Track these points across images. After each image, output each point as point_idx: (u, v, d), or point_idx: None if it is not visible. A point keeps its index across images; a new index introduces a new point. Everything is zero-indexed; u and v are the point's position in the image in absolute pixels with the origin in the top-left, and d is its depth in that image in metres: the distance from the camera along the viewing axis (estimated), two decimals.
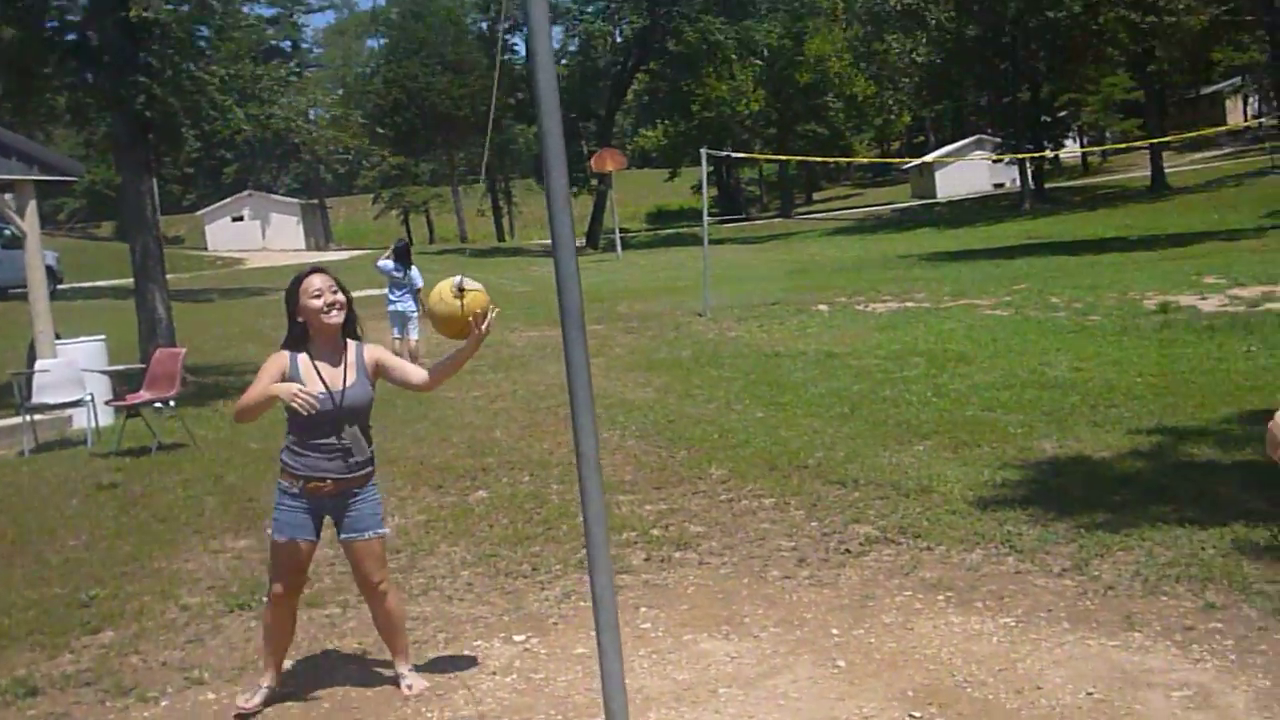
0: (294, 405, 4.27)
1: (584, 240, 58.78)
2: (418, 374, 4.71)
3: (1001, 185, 69.10)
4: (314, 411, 4.31)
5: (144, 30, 14.40)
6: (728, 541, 6.53)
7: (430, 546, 6.92)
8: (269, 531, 4.68)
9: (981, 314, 16.45)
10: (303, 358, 4.49)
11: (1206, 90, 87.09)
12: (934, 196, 70.70)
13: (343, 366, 4.53)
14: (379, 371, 4.63)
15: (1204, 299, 15.56)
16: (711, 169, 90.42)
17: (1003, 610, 5.06)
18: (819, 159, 59.83)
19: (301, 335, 4.54)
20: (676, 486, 7.88)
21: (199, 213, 76.89)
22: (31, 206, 13.47)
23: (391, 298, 16.14)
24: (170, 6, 14.30)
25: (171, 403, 11.22)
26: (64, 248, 42.66)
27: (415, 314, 16.14)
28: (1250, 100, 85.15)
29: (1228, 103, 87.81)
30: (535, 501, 7.76)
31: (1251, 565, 5.27)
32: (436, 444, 10.15)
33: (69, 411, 12.54)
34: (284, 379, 4.44)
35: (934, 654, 4.64)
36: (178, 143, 20.19)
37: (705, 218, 21.49)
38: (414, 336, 16.22)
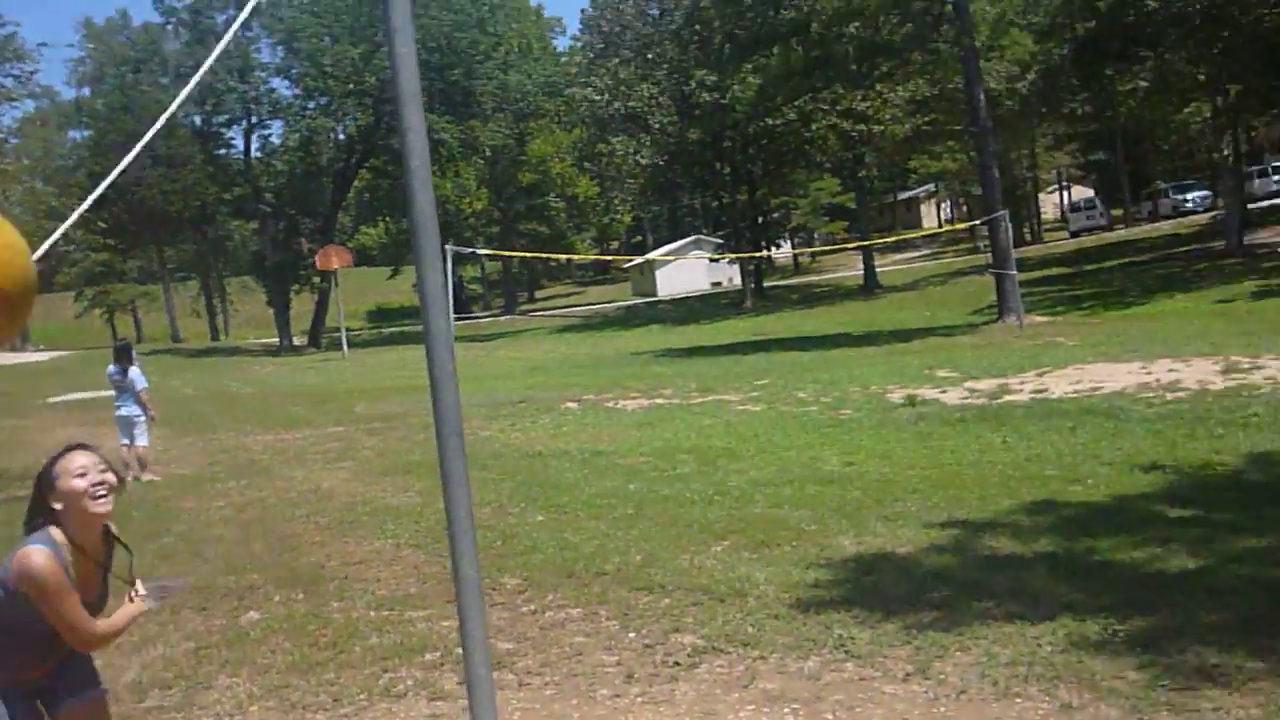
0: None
1: (306, 339, 57.05)
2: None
3: (719, 284, 71.31)
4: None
5: None
6: (543, 659, 6.05)
7: (206, 679, 6.16)
8: None
9: (735, 409, 16.54)
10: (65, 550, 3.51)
11: (903, 195, 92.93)
12: (655, 295, 72.28)
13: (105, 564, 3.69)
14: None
15: (944, 392, 16.10)
16: None
17: None
18: (552, 255, 60.27)
19: (56, 521, 3.54)
20: None
21: None
22: None
23: (116, 402, 14.96)
24: None
25: None
26: None
27: (141, 419, 14.98)
28: (943, 205, 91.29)
29: (923, 207, 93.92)
30: (317, 622, 7.07)
31: (1094, 660, 5.18)
32: (189, 560, 9.25)
33: None
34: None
35: None
36: None
37: (450, 315, 20.89)
38: (141, 443, 15.02)
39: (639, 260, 74.24)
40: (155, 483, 14.37)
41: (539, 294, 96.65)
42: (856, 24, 30.76)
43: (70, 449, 3.58)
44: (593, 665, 5.88)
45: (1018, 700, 4.89)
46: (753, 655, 5.76)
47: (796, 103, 43.22)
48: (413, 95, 3.13)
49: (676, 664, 5.76)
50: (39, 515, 3.53)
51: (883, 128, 46.13)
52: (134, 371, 15.07)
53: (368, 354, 47.84)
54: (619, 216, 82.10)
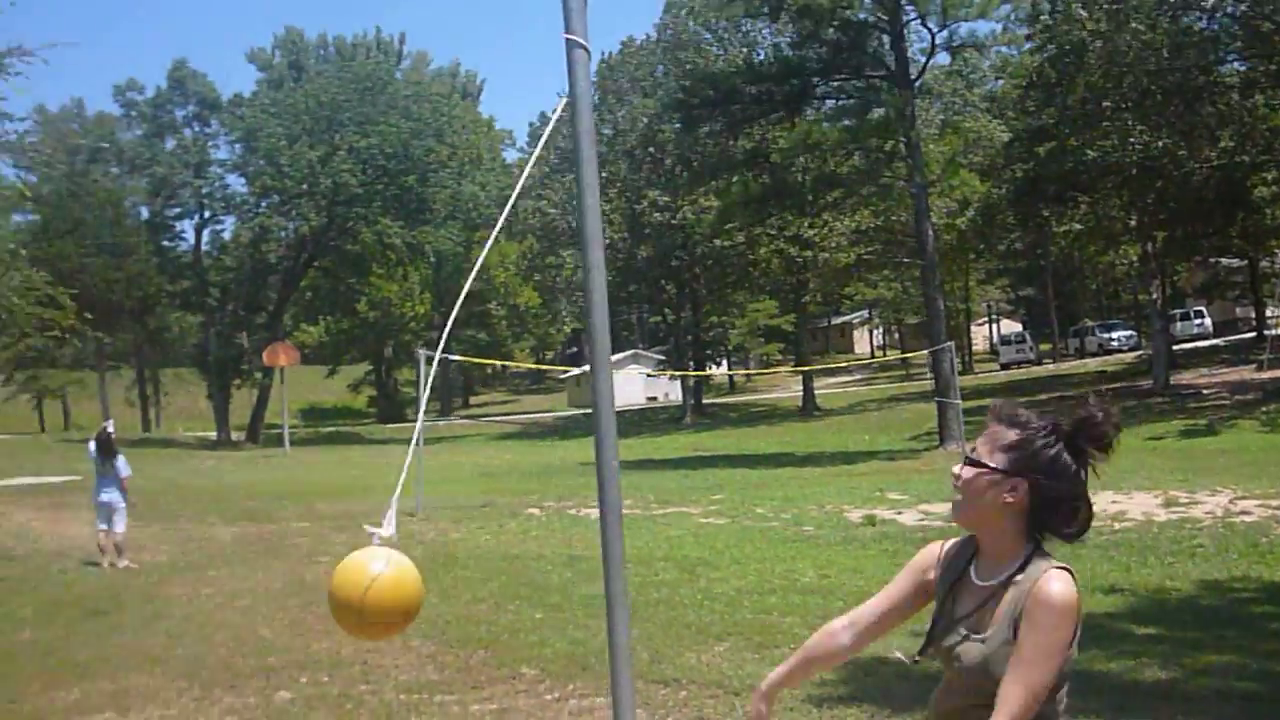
0: None
1: (245, 434, 56.83)
2: None
3: (655, 398, 72.17)
4: None
5: None
6: None
7: None
8: None
9: (698, 522, 17.12)
10: None
11: (837, 320, 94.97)
12: (590, 407, 72.76)
13: None
14: None
15: (900, 513, 16.82)
16: (370, 369, 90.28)
17: None
18: (518, 364, 60.79)
19: None
20: (493, 686, 7.81)
21: None
22: None
23: (100, 489, 15.23)
24: None
25: None
26: None
27: (122, 505, 15.27)
28: (875, 331, 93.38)
29: (855, 332, 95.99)
30: (352, 702, 7.50)
31: None
32: (201, 642, 9.60)
33: None
34: None
35: None
36: None
37: (421, 415, 21.28)
38: (119, 529, 15.28)
39: (578, 371, 74.93)
40: (133, 569, 14.62)
41: (473, 400, 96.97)
42: (809, 156, 32.12)
43: None
44: None
45: None
46: None
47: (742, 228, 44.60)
48: (595, 238, 3.78)
49: None
50: None
51: (827, 254, 47.60)
52: (120, 460, 15.39)
53: (308, 451, 47.77)
54: (563, 327, 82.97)
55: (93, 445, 15.50)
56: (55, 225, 62.08)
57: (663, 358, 65.06)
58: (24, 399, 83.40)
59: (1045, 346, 67.36)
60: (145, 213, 63.18)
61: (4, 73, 18.82)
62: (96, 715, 7.63)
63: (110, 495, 15.16)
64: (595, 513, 15.59)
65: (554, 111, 3.65)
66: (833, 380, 73.86)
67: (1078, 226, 43.77)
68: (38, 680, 8.60)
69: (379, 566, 2.77)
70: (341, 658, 8.85)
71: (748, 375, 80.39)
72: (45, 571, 14.86)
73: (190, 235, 60.50)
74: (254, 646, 9.40)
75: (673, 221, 49.50)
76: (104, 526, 15.13)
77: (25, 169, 68.49)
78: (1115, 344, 60.58)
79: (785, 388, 72.94)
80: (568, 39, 3.58)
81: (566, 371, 77.69)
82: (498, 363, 71.80)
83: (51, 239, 60.54)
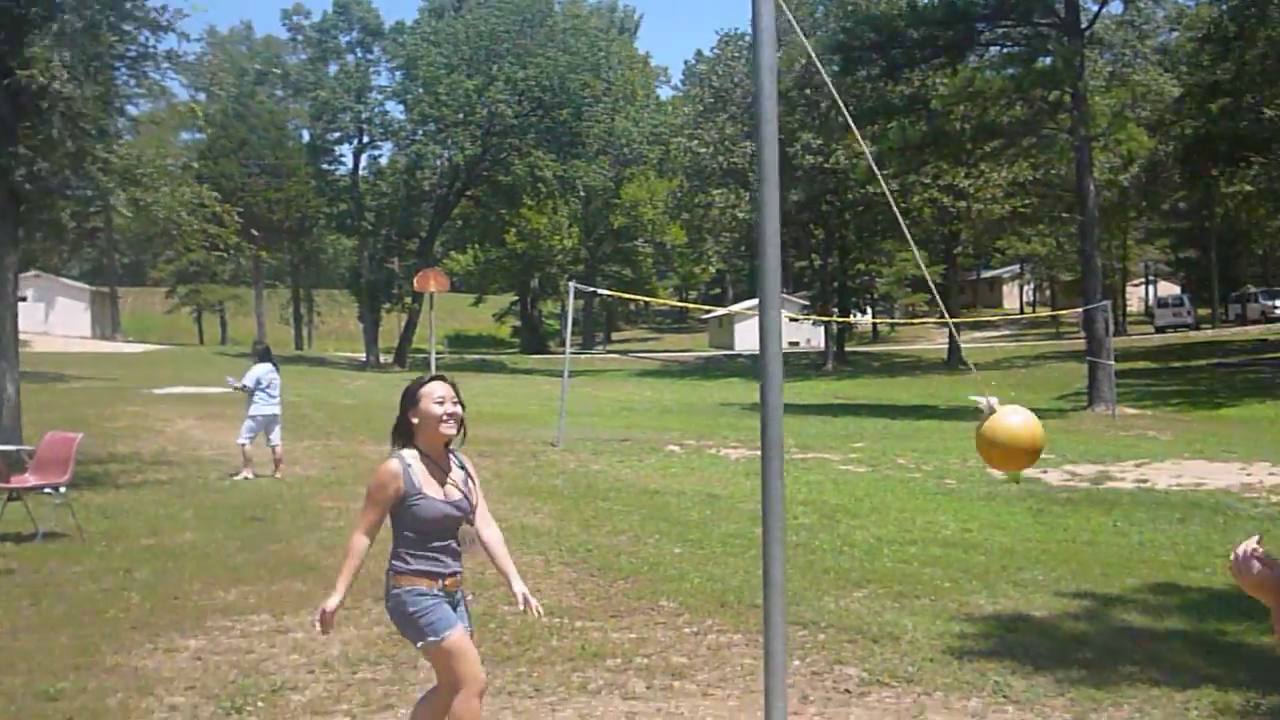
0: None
1: (392, 357, 58.20)
2: (493, 531, 4.84)
3: (796, 343, 71.78)
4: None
5: (39, 97, 13.90)
6: (719, 674, 6.63)
7: (409, 659, 6.79)
8: (428, 640, 4.49)
9: (838, 469, 17.04)
10: (415, 460, 4.50)
11: (986, 274, 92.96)
12: (731, 348, 72.90)
13: (452, 473, 4.57)
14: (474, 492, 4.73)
15: (1045, 473, 16.50)
16: (515, 300, 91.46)
17: None
18: (660, 300, 61.04)
19: (409, 433, 4.58)
20: (632, 616, 7.95)
21: None
22: None
23: (268, 399, 15.73)
24: (72, 81, 13.84)
25: (62, 489, 10.67)
26: None
27: (278, 418, 15.87)
28: (1025, 287, 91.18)
29: (1005, 287, 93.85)
30: (495, 622, 7.70)
31: None
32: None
33: None
34: (398, 492, 4.46)
35: None
36: (56, 228, 19.42)
37: (568, 349, 21.71)
38: (276, 442, 15.86)
39: (722, 311, 74.85)
40: (283, 480, 15.17)
41: (615, 336, 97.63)
42: (969, 104, 31.32)
43: (433, 379, 4.62)
44: None
45: None
46: (916, 691, 6.31)
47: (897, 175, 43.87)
48: (772, 176, 3.79)
49: (847, 691, 6.32)
50: (400, 435, 4.61)
51: (981, 206, 46.57)
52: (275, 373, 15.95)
53: (453, 377, 48.60)
54: (709, 266, 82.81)
55: (255, 369, 15.91)
56: (221, 144, 64.07)
57: (806, 303, 64.55)
58: (185, 311, 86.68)
59: (1204, 311, 65.10)
60: (306, 136, 64.79)
61: None
62: (253, 615, 7.98)
63: (273, 408, 15.71)
64: (734, 453, 15.79)
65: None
66: (979, 335, 72.60)
67: (1248, 188, 42.16)
68: (199, 580, 9.02)
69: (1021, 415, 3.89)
70: (485, 579, 9.05)
71: (892, 324, 79.42)
72: (204, 477, 15.50)
73: (349, 159, 61.82)
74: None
75: (825, 165, 48.88)
76: (251, 439, 15.59)
77: (197, 89, 70.82)
78: (1279, 312, 58.24)
79: (928, 340, 71.94)
80: None
81: (710, 311, 77.73)
82: (641, 299, 71.96)
83: (217, 157, 62.52)
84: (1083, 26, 31.10)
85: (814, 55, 5.48)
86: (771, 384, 3.78)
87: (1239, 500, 13.49)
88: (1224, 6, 35.30)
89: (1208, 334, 56.08)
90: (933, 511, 12.73)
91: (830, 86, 4.58)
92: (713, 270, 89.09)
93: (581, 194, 68.44)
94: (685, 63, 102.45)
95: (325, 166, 62.20)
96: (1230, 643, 7.28)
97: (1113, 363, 29.08)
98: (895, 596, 8.49)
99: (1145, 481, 15.42)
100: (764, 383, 3.79)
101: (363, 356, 58.92)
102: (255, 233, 46.88)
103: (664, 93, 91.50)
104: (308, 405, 27.63)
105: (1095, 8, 32.61)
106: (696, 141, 55.69)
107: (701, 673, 6.68)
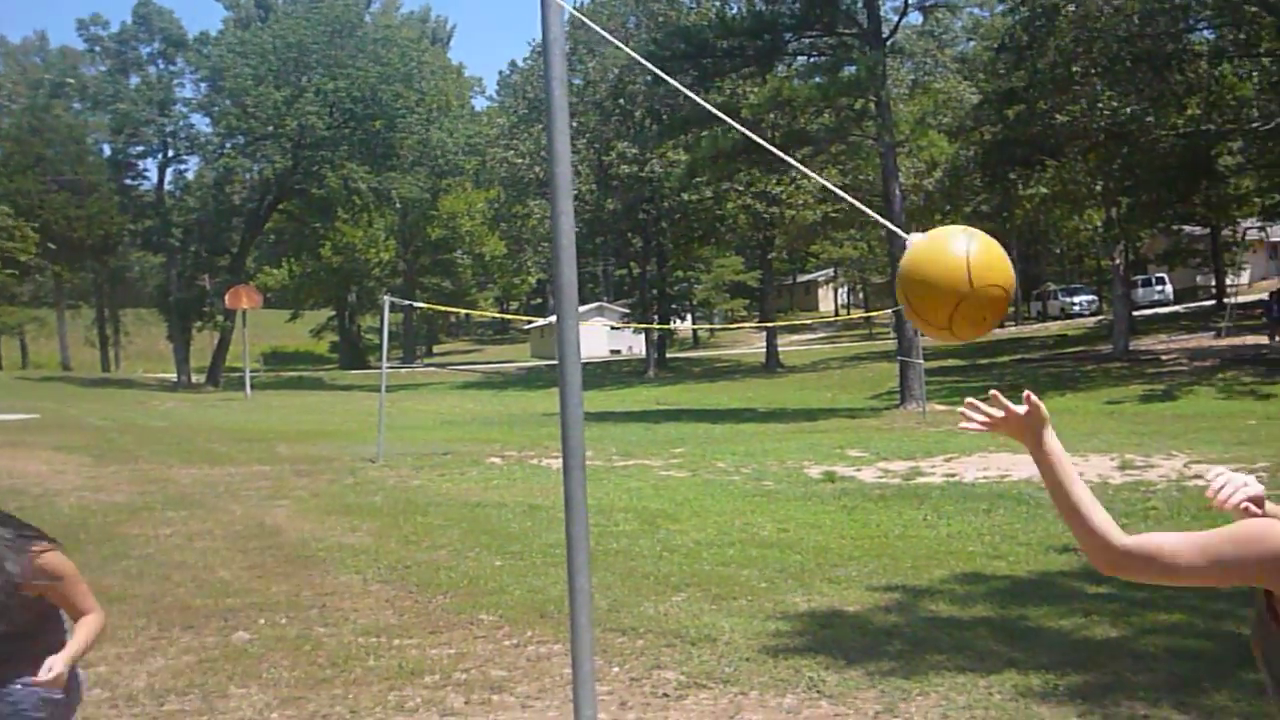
0: None
1: (205, 377, 56.49)
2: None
3: (619, 351, 72.18)
4: None
5: None
6: (539, 685, 6.60)
7: (219, 688, 6.59)
8: None
9: (659, 475, 17.18)
10: None
11: (802, 278, 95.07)
12: (554, 358, 72.80)
13: None
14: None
15: (859, 470, 16.93)
16: (333, 315, 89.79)
17: None
18: (482, 312, 60.51)
19: None
20: (451, 631, 7.85)
21: None
22: None
23: None
24: None
25: None
26: None
27: None
28: (839, 290, 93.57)
29: (820, 290, 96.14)
30: (310, 644, 7.52)
31: (1040, 708, 5.90)
32: (159, 582, 9.59)
33: None
34: None
35: None
36: None
37: (385, 363, 21.39)
38: None
39: (543, 322, 74.83)
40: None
41: (436, 349, 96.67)
42: (779, 112, 31.99)
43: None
44: None
45: None
46: (733, 691, 6.38)
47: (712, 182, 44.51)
48: (565, 188, 3.78)
49: (665, 695, 6.35)
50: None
51: (794, 212, 47.61)
52: None
53: (269, 396, 47.58)
54: (529, 276, 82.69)
55: None
56: (16, 159, 61.31)
57: (627, 311, 65.04)
58: None
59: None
60: (108, 150, 62.51)
61: None
62: None
63: None
64: (556, 463, 15.72)
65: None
66: (796, 338, 74.11)
67: (1044, 190, 43.84)
68: None
69: (963, 241, 2.44)
70: (300, 600, 8.88)
71: (711, 330, 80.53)
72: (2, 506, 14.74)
73: (153, 174, 59.95)
74: (212, 587, 9.40)
75: (641, 174, 49.34)
76: None
77: None
78: (1077, 308, 61.06)
79: (748, 344, 73.16)
80: None
81: (530, 322, 77.57)
82: (461, 311, 71.45)
83: (12, 173, 59.82)
84: (884, 36, 32.10)
85: (651, 65, 5.51)
86: (571, 393, 3.78)
87: (1040, 490, 14.04)
88: (1017, 17, 36.83)
89: (1011, 330, 58.33)
90: (751, 513, 12.92)
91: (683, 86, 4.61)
92: (533, 280, 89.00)
93: (398, 206, 67.60)
94: (499, 73, 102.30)
95: (129, 182, 60.13)
96: (1032, 627, 7.56)
97: (922, 362, 29.99)
98: (714, 599, 8.58)
99: (954, 475, 15.93)
100: (563, 395, 3.80)
101: (174, 377, 57.05)
102: (52, 246, 44.85)
103: (479, 103, 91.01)
104: (113, 429, 26.63)
105: (896, 19, 33.70)
106: (513, 152, 55.61)
107: (521, 685, 6.63)
